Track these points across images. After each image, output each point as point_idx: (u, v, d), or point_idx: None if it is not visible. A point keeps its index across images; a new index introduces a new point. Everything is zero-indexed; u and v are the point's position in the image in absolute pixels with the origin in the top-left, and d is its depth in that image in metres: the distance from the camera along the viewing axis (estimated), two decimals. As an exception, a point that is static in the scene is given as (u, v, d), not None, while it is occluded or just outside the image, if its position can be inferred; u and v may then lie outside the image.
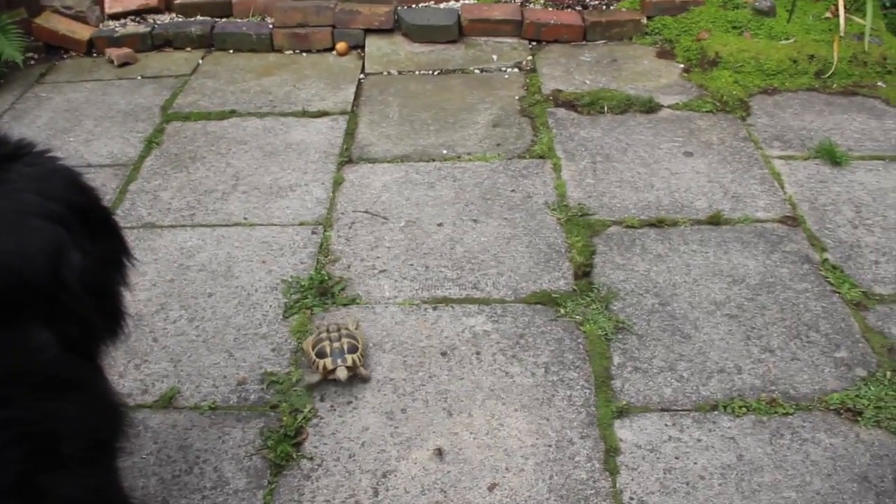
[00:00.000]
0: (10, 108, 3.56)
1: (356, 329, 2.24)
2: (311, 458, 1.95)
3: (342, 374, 2.07)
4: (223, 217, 2.79)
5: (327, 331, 2.15)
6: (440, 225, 2.72)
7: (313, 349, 2.13)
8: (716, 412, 1.99)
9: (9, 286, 1.24)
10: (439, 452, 1.95)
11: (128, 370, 2.20)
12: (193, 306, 2.42)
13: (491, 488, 1.86)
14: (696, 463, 1.87)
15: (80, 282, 1.31)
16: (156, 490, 1.90)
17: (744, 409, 1.99)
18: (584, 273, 2.46)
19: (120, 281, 1.57)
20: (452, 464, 1.92)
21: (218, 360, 2.23)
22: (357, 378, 2.13)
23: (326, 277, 2.49)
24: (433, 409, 2.06)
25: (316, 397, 2.11)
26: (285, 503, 1.85)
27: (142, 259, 2.60)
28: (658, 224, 2.65)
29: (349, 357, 2.09)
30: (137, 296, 2.45)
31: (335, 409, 2.08)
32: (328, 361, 2.08)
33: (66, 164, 1.51)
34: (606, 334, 2.24)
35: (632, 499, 1.81)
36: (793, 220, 2.65)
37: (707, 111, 3.31)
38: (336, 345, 2.11)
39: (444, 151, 3.12)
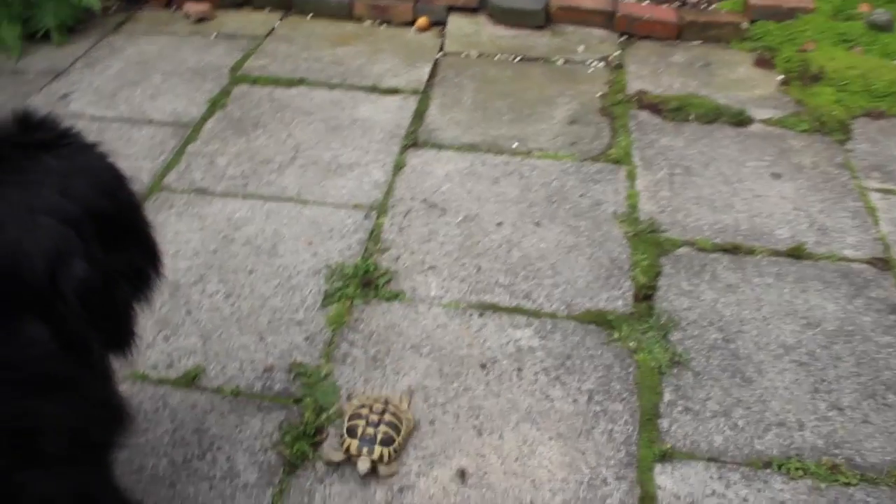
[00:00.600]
0: (83, 55, 3.55)
1: (406, 405, 1.95)
2: (349, 397, 1.87)
3: (362, 467, 1.80)
4: (276, 190, 2.71)
5: (370, 408, 1.89)
6: (499, 224, 2.58)
7: (348, 422, 1.89)
8: (768, 471, 1.82)
9: (1, 277, 1.17)
10: (462, 474, 1.83)
11: (156, 341, 2.15)
12: (232, 281, 2.34)
13: (512, 522, 1.74)
14: (739, 527, 1.71)
15: (78, 293, 1.21)
16: (165, 472, 1.84)
17: (800, 472, 1.81)
18: (645, 296, 2.30)
19: (135, 297, 1.45)
20: (474, 488, 1.80)
21: (248, 343, 2.15)
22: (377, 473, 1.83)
23: (373, 268, 2.39)
24: (463, 425, 1.94)
25: (342, 396, 2.01)
26: (294, 507, 1.76)
27: (188, 226, 2.55)
28: (733, 250, 2.46)
29: (378, 450, 1.81)
30: (178, 264, 2.39)
31: (361, 411, 1.98)
32: (354, 445, 1.83)
33: (108, 162, 1.41)
34: (660, 367, 2.07)
35: (663, 557, 1.66)
36: (883, 263, 2.42)
37: (802, 130, 3.07)
38: (370, 430, 1.83)
39: (515, 144, 2.97)
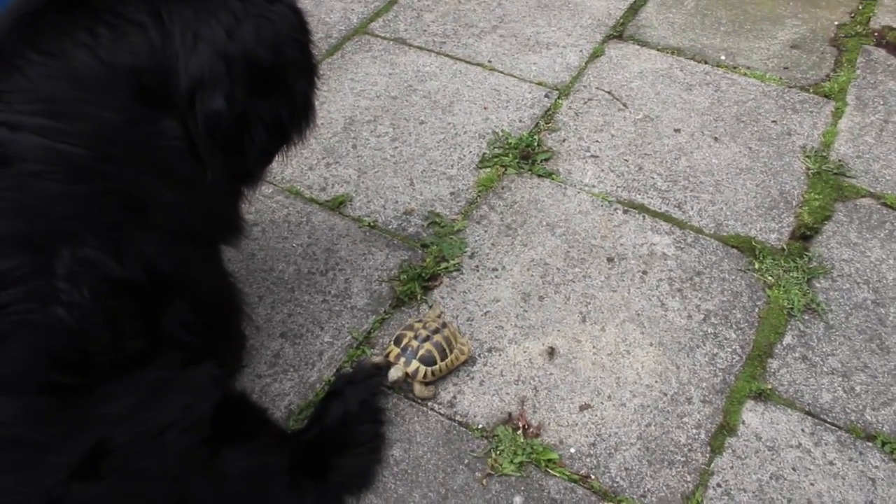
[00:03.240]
0: None
1: (463, 344, 1.75)
2: (430, 306, 1.86)
3: (393, 374, 1.66)
4: (470, 54, 2.65)
5: (425, 325, 1.71)
6: (677, 131, 2.37)
7: (399, 331, 1.74)
8: (869, 444, 1.60)
9: (153, 78, 1.22)
10: (552, 352, 1.77)
11: (318, 165, 2.21)
12: (402, 128, 2.35)
13: (583, 408, 1.66)
14: (812, 485, 1.53)
15: (207, 122, 1.24)
16: (289, 277, 1.92)
17: (905, 455, 1.58)
18: (803, 235, 2.04)
19: (271, 146, 1.43)
20: (558, 368, 1.74)
21: (398, 185, 2.17)
22: (411, 391, 1.69)
23: (536, 143, 2.30)
24: (570, 308, 1.86)
25: (467, 252, 1.99)
26: (388, 336, 1.79)
27: (379, 70, 2.57)
28: (924, 214, 2.11)
29: (414, 364, 1.65)
30: (359, 102, 2.43)
31: (478, 271, 1.95)
32: (394, 353, 1.69)
33: (292, 17, 1.38)
34: (792, 308, 1.86)
35: (718, 486, 1.53)
36: None
37: None
38: (414, 343, 1.67)
39: (723, 57, 2.68)
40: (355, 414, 1.61)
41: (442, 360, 1.67)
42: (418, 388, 1.68)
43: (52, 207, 1.12)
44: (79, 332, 1.10)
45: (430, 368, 1.66)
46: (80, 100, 1.18)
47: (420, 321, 1.75)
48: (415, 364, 1.66)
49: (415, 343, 1.67)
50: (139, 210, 1.21)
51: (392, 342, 1.72)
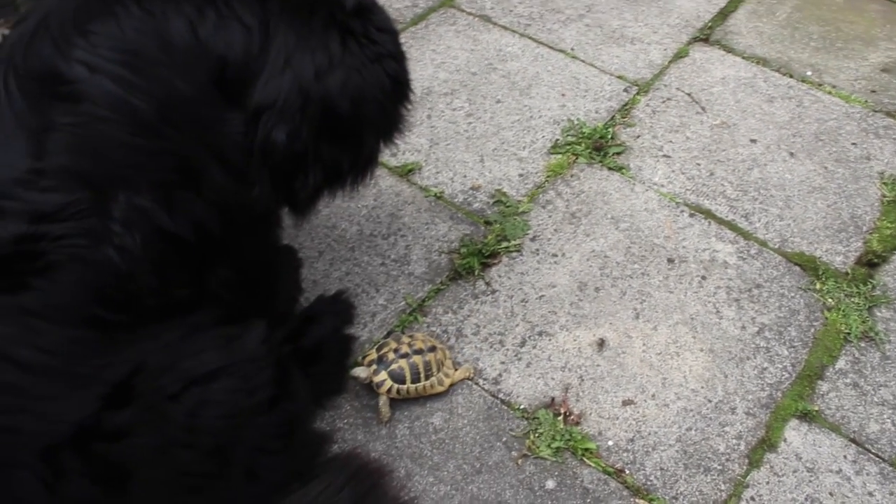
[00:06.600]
0: None
1: (454, 373, 1.65)
2: (488, 283, 1.86)
3: (358, 371, 1.61)
4: (553, 39, 2.61)
5: (411, 344, 1.63)
6: (753, 141, 2.31)
7: (385, 338, 1.71)
8: (913, 478, 1.56)
9: (236, 75, 1.24)
10: (601, 344, 1.76)
11: (394, 130, 2.21)
12: (478, 104, 2.33)
13: (625, 403, 1.65)
14: (849, 511, 1.50)
15: (263, 148, 1.26)
16: (351, 237, 1.94)
17: (948, 495, 1.53)
18: (870, 262, 1.98)
19: (326, 187, 1.44)
20: (606, 360, 1.72)
21: (467, 160, 2.16)
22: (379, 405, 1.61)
23: (609, 136, 2.26)
24: (624, 303, 1.84)
25: (529, 234, 1.98)
26: (442, 306, 1.79)
27: (461, 45, 2.55)
28: None
29: (382, 375, 1.58)
30: (438, 74, 2.42)
31: (538, 255, 1.94)
32: (371, 357, 1.62)
33: (387, 77, 1.40)
34: (849, 334, 1.81)
35: (752, 499, 1.50)
36: None
37: None
38: (391, 356, 1.60)
39: (809, 73, 2.60)
40: (328, 339, 1.64)
41: (413, 382, 1.58)
42: (382, 402, 1.59)
43: (113, 153, 1.14)
44: (126, 274, 1.11)
45: (396, 385, 1.58)
46: (163, 63, 1.19)
47: (410, 336, 1.67)
48: (383, 375, 1.58)
49: (391, 356, 1.60)
50: (192, 177, 1.22)
51: (374, 347, 1.67)
